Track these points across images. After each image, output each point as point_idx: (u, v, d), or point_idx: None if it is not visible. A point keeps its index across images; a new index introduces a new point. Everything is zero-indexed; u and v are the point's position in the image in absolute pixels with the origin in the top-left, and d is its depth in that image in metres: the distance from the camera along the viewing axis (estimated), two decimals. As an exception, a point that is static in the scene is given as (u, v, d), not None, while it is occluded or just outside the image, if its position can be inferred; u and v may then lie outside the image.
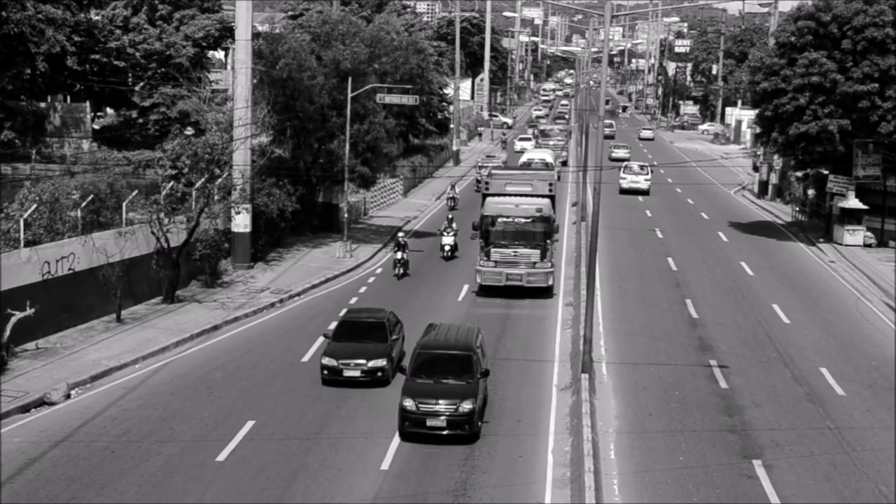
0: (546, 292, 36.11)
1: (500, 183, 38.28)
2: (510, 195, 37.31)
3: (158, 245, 33.47)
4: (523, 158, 65.81)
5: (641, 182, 65.35)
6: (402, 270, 38.90)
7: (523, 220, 36.02)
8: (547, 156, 65.83)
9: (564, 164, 75.21)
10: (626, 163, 69.63)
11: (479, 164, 68.33)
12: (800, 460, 21.78)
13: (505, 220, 36.04)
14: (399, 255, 38.97)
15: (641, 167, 67.50)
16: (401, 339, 27.94)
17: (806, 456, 22.04)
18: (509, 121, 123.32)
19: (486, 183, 38.65)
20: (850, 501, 19.96)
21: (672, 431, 23.37)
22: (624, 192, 64.59)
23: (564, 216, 55.28)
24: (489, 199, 37.28)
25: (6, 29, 45.85)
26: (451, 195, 58.67)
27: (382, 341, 26.51)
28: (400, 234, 40.15)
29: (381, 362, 25.88)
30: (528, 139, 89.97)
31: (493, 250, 35.87)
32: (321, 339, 28.80)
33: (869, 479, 20.98)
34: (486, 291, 36.20)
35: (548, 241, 36.08)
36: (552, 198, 37.72)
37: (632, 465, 21.39)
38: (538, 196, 37.18)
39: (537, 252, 35.77)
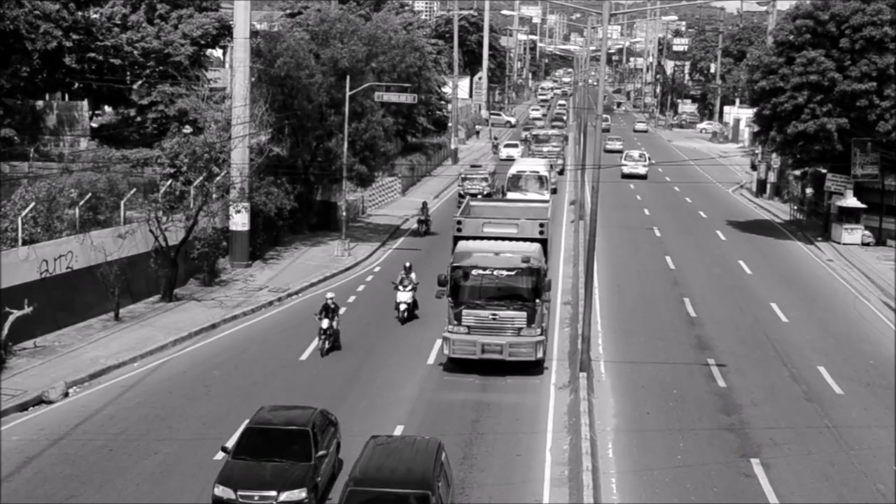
0: (534, 367, 27.47)
1: (477, 223, 29.83)
2: (489, 238, 29.02)
3: (157, 243, 33.44)
4: (513, 170, 56.43)
5: (640, 168, 74.83)
6: (327, 344, 28.81)
7: (505, 273, 27.37)
8: (541, 167, 57.12)
9: (561, 172, 70.43)
10: (626, 152, 78.76)
11: (463, 175, 61.02)
12: (798, 459, 21.80)
13: (482, 272, 27.41)
14: (325, 323, 28.70)
15: (640, 156, 76.91)
16: (335, 449, 20.28)
17: (804, 454, 22.06)
18: (512, 119, 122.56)
19: (459, 223, 29.92)
20: (847, 500, 19.98)
21: (670, 430, 23.39)
22: (625, 176, 73.02)
23: (562, 221, 55.25)
24: (462, 243, 28.71)
25: (2, 26, 45.82)
26: (421, 217, 49.65)
27: (303, 459, 18.69)
28: (329, 295, 29.86)
29: (299, 494, 18.04)
30: (515, 146, 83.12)
31: (465, 312, 27.08)
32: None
33: (867, 477, 21.01)
34: (456, 366, 27.52)
35: (537, 301, 27.24)
36: (544, 242, 29.38)
37: (630, 463, 21.41)
38: (526, 240, 28.90)
39: (523, 315, 27.00)
